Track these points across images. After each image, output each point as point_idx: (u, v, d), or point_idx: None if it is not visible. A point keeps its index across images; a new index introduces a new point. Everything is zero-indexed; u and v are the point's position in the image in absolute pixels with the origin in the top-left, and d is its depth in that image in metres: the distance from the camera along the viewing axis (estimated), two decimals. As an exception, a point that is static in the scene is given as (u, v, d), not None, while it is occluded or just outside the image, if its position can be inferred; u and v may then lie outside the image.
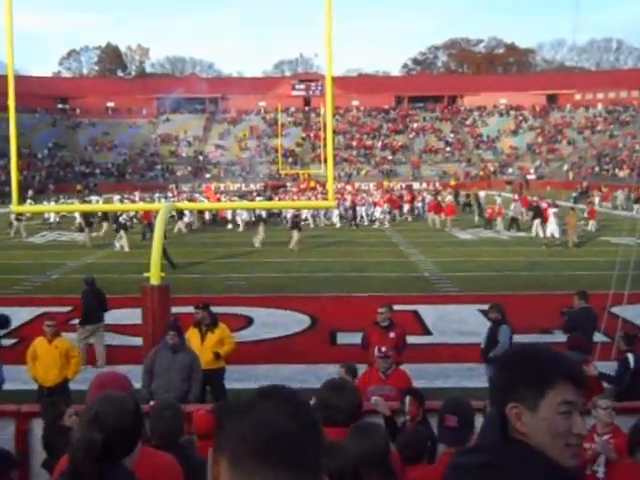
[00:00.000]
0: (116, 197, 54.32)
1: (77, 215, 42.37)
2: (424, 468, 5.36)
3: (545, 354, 2.32)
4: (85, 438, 3.18)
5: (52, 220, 43.65)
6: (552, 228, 33.29)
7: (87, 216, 36.21)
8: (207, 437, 6.13)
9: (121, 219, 34.79)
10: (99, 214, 39.72)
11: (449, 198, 49.02)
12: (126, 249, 33.03)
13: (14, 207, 16.43)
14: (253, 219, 40.16)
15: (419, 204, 50.45)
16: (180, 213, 39.09)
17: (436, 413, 6.32)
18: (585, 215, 39.54)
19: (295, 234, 33.14)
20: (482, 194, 51.93)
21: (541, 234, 35.03)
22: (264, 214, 37.62)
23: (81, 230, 35.95)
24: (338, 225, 43.29)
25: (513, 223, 39.90)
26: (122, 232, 33.65)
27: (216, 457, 1.63)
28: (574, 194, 55.59)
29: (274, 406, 1.65)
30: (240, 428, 1.64)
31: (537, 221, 36.16)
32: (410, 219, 47.41)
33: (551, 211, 34.45)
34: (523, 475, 2.15)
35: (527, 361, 2.29)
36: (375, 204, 46.84)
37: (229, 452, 1.62)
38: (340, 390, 5.05)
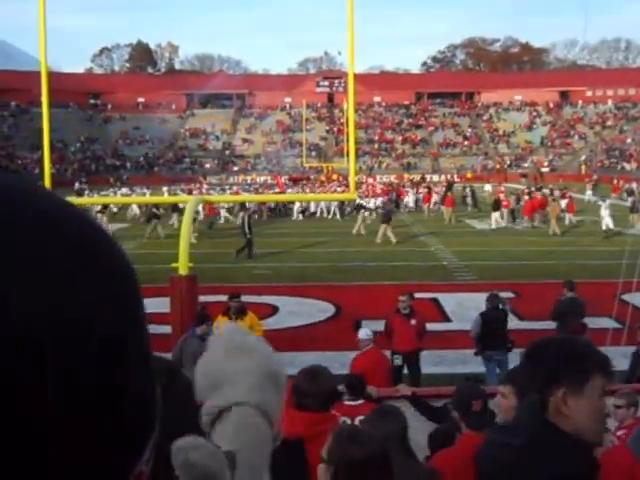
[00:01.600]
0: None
1: (134, 207, 42.81)
2: (447, 451, 5.24)
3: (585, 345, 2.54)
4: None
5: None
6: (607, 220, 33.09)
7: (153, 208, 35.76)
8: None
9: (155, 209, 34.62)
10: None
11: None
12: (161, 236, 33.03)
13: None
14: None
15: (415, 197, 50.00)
16: (243, 204, 39.10)
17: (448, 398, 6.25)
18: (564, 207, 39.09)
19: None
20: (488, 187, 51.49)
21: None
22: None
23: (148, 221, 35.55)
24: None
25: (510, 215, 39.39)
26: (155, 221, 33.65)
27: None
28: (589, 189, 54.68)
29: None
30: None
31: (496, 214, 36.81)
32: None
33: (602, 204, 34.44)
34: (558, 454, 2.32)
35: (572, 351, 2.47)
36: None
37: None
38: (312, 376, 4.94)
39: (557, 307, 12.96)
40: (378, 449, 3.47)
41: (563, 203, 38.81)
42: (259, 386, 1.36)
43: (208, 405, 1.36)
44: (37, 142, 77.80)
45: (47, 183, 15.46)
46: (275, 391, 1.39)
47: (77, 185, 59.07)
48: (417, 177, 77.29)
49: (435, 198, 46.48)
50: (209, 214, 39.61)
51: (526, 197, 40.16)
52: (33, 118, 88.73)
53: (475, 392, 5.42)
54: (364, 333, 10.48)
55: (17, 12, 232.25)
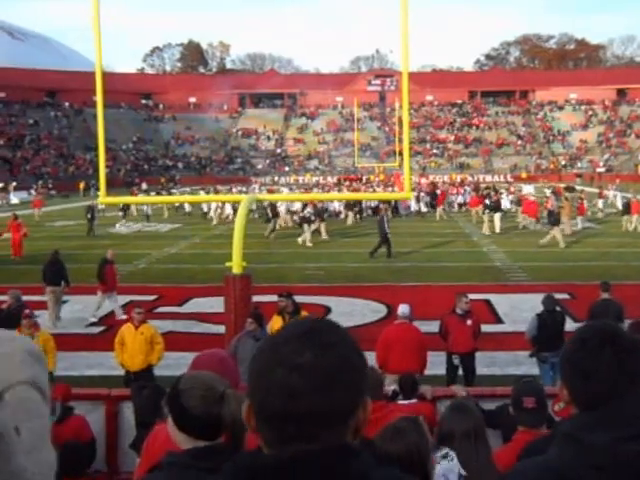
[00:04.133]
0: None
1: (204, 206, 42.93)
2: (502, 448, 5.33)
3: None
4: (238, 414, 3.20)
5: (147, 212, 43.76)
6: None
7: (272, 208, 35.52)
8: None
9: (306, 212, 33.35)
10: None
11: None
12: (308, 243, 31.76)
13: (101, 199, 16.65)
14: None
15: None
16: (350, 204, 39.12)
17: (503, 399, 6.29)
18: (601, 207, 38.41)
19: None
20: (530, 188, 50.66)
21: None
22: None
23: (268, 221, 35.48)
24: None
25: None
26: (306, 226, 32.43)
27: (248, 409, 1.61)
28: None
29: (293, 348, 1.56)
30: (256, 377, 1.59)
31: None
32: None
33: None
34: None
35: None
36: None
37: (252, 403, 1.58)
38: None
39: (592, 309, 12.78)
40: (411, 447, 3.58)
41: (600, 203, 38.29)
42: (26, 364, 1.47)
43: None
44: (90, 142, 79.27)
45: (102, 184, 15.70)
46: (41, 366, 1.51)
47: (145, 185, 59.60)
48: (461, 177, 76.47)
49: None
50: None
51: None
52: (86, 119, 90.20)
53: (528, 389, 5.45)
54: (402, 310, 11.53)
55: (70, 13, 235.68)
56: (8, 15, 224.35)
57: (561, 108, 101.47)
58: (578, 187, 55.84)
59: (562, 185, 55.70)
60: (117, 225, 40.70)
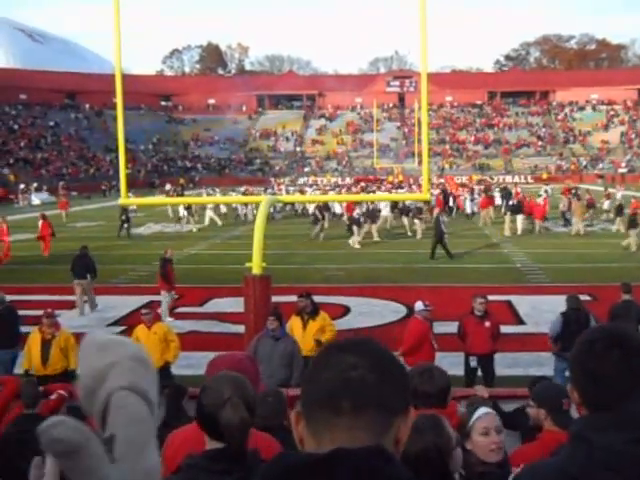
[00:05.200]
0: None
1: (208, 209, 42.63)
2: (528, 447, 5.33)
3: None
4: (239, 419, 3.23)
5: (182, 214, 42.44)
6: None
7: (316, 210, 35.02)
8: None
9: (355, 214, 32.86)
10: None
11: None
12: (356, 245, 31.52)
13: (121, 200, 16.72)
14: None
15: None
16: (395, 205, 38.80)
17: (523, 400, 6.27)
18: (607, 208, 37.92)
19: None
20: (549, 188, 49.72)
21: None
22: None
23: (315, 222, 34.79)
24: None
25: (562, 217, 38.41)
26: (355, 228, 32.17)
27: (296, 416, 1.63)
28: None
29: (338, 359, 1.62)
30: (307, 383, 1.64)
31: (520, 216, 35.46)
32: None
33: None
34: None
35: None
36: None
37: (302, 408, 1.61)
38: (429, 374, 5.22)
39: (612, 310, 12.70)
40: (429, 445, 3.59)
41: (607, 203, 38.05)
42: (128, 369, 1.49)
43: (95, 408, 1.48)
44: (110, 144, 79.67)
45: (122, 185, 15.77)
46: (146, 371, 1.54)
47: (169, 187, 59.70)
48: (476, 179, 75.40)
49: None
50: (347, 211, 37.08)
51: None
52: (106, 120, 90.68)
53: (564, 391, 5.47)
54: (418, 306, 12.29)
55: (90, 16, 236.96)
56: (29, 18, 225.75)
57: (582, 108, 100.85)
58: (597, 187, 55.28)
59: (571, 185, 55.09)
60: (184, 225, 40.55)
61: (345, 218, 36.79)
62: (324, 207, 35.24)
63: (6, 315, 13.05)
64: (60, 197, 54.17)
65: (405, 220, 35.04)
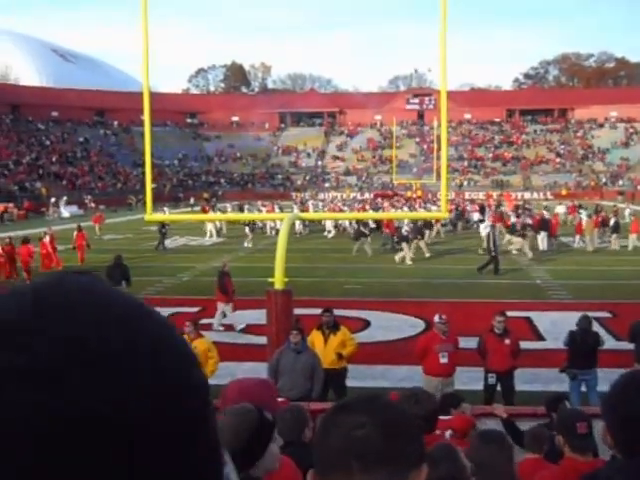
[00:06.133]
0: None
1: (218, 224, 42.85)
2: (550, 474, 5.16)
3: None
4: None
5: (219, 227, 43.48)
6: None
7: (361, 227, 34.57)
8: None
9: (404, 231, 32.19)
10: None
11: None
12: (408, 262, 30.87)
13: (147, 216, 16.71)
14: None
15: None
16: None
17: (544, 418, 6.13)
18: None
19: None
20: (562, 208, 49.19)
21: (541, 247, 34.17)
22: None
23: (356, 239, 34.37)
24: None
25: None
26: (405, 244, 31.54)
27: (313, 479, 1.59)
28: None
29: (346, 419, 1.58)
30: (316, 445, 1.62)
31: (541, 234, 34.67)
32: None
33: None
34: None
35: None
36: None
37: (316, 471, 1.59)
38: (415, 399, 5.13)
39: (633, 328, 12.39)
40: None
41: (613, 221, 37.92)
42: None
43: None
44: (138, 159, 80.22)
45: (148, 201, 15.81)
46: None
47: (192, 200, 59.31)
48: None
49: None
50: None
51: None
52: (134, 137, 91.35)
53: (579, 414, 5.31)
54: (435, 319, 12.36)
55: (117, 36, 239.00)
56: (60, 36, 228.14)
57: (601, 126, 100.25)
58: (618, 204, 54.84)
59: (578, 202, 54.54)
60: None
61: (385, 234, 36.30)
62: (365, 223, 34.63)
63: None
64: (95, 211, 54.61)
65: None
